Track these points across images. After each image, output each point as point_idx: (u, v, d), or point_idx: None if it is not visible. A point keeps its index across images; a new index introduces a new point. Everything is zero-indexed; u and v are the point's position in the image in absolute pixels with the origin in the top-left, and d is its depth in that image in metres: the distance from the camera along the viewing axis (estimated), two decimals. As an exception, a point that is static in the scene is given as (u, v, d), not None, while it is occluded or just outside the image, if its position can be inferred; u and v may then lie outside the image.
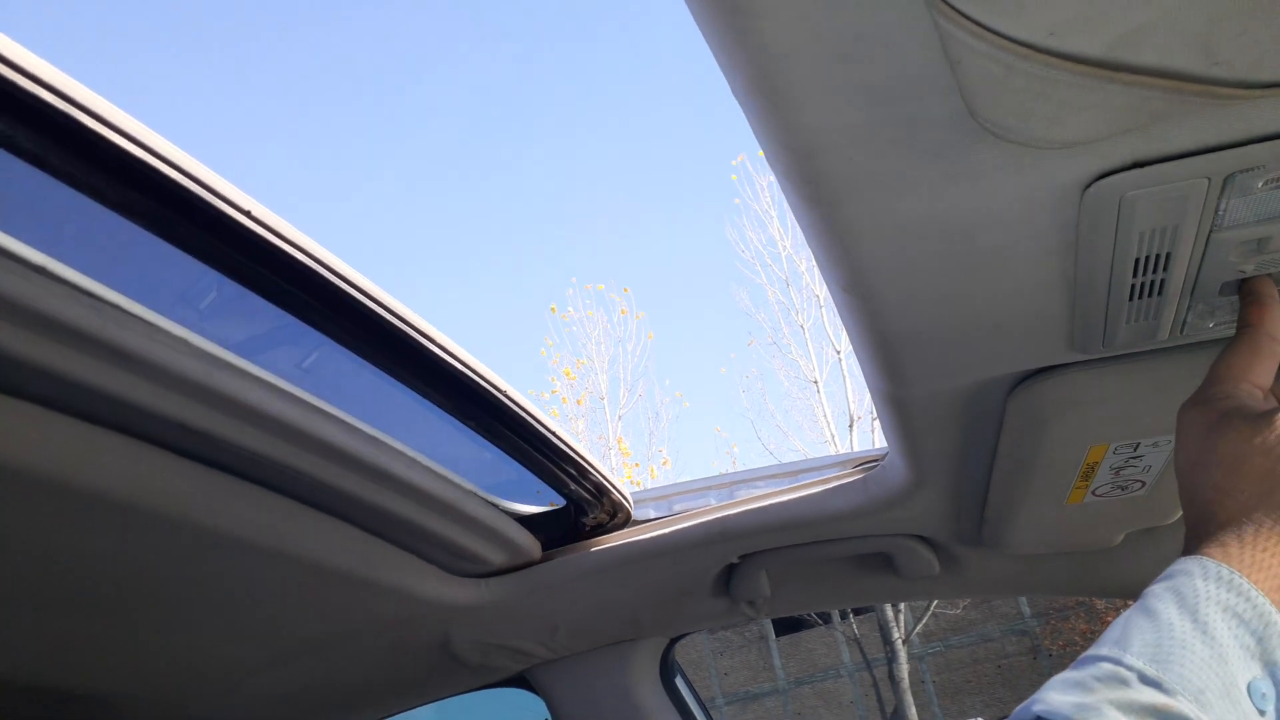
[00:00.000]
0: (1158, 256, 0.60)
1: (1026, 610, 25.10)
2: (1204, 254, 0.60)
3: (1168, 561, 1.22)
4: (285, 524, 0.94)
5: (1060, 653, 23.07)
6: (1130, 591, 1.27)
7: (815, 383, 15.74)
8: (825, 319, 15.32)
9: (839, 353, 15.32)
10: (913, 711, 17.77)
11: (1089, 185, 0.55)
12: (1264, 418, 0.58)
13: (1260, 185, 0.54)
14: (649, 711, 1.50)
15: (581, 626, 1.42)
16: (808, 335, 15.74)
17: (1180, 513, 1.09)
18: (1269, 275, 0.64)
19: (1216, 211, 0.56)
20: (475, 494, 1.05)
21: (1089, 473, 0.95)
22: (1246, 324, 0.63)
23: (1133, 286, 0.64)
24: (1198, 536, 0.57)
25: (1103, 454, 0.91)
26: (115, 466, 0.77)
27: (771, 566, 1.33)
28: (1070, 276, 0.65)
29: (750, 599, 1.37)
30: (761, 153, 0.61)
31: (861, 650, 19.73)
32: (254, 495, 0.90)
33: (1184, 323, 0.69)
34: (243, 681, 1.35)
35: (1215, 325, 0.70)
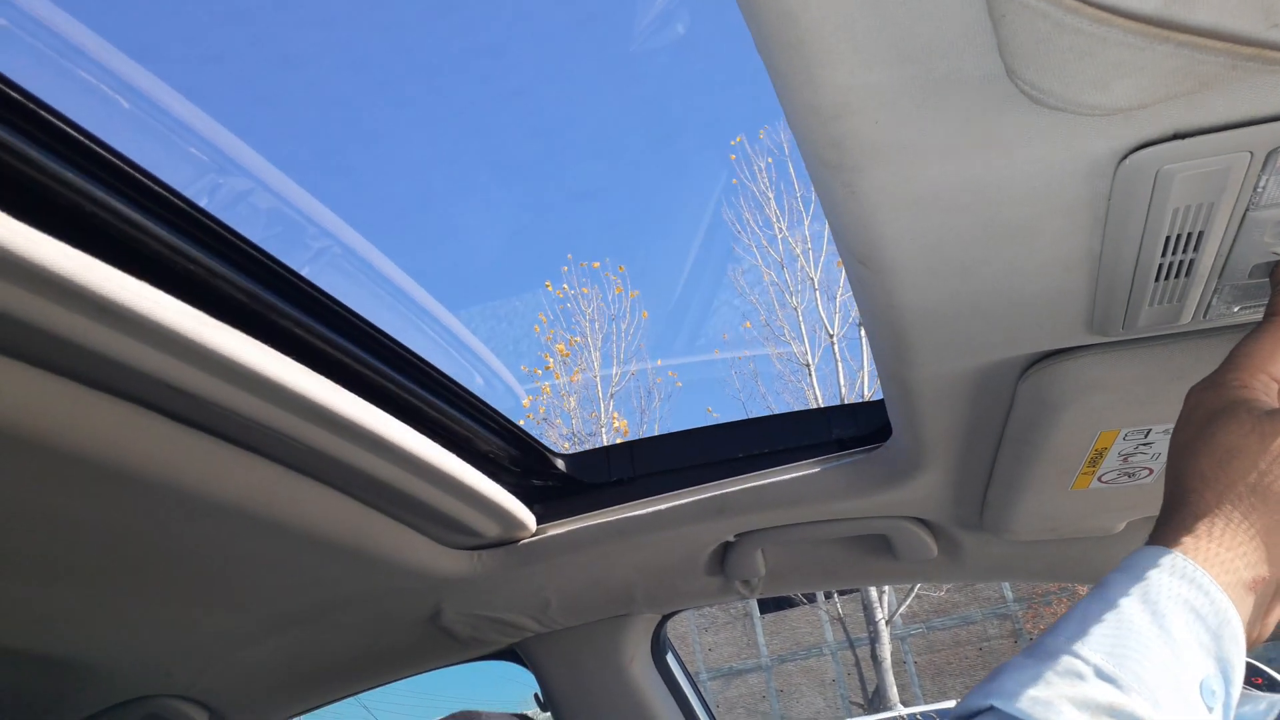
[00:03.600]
0: (1189, 235, 0.58)
1: (1009, 594, 25.36)
2: (1237, 234, 0.58)
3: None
4: (277, 492, 0.92)
5: (1041, 637, 23.22)
6: None
7: (807, 366, 15.75)
8: (819, 302, 15.31)
9: (832, 336, 15.32)
10: (894, 691, 17.95)
11: (1125, 156, 0.53)
12: (1270, 416, 0.56)
13: None
14: (640, 688, 1.49)
15: (574, 601, 1.40)
16: (801, 318, 15.73)
17: None
18: None
19: (1255, 189, 0.54)
20: (470, 465, 1.03)
21: (1097, 459, 0.94)
22: (1274, 312, 0.60)
23: (1160, 266, 0.62)
24: (1170, 521, 0.57)
25: (1113, 440, 0.89)
26: (102, 428, 0.75)
27: (767, 545, 1.31)
28: (1095, 254, 0.63)
29: (745, 578, 1.36)
30: (767, 131, 0.59)
31: (845, 629, 19.88)
32: (245, 461, 0.88)
33: (1208, 306, 0.67)
34: (231, 651, 1.33)
35: (1240, 310, 0.68)
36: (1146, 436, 0.89)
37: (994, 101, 0.49)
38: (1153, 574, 0.53)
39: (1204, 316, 0.69)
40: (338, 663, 1.50)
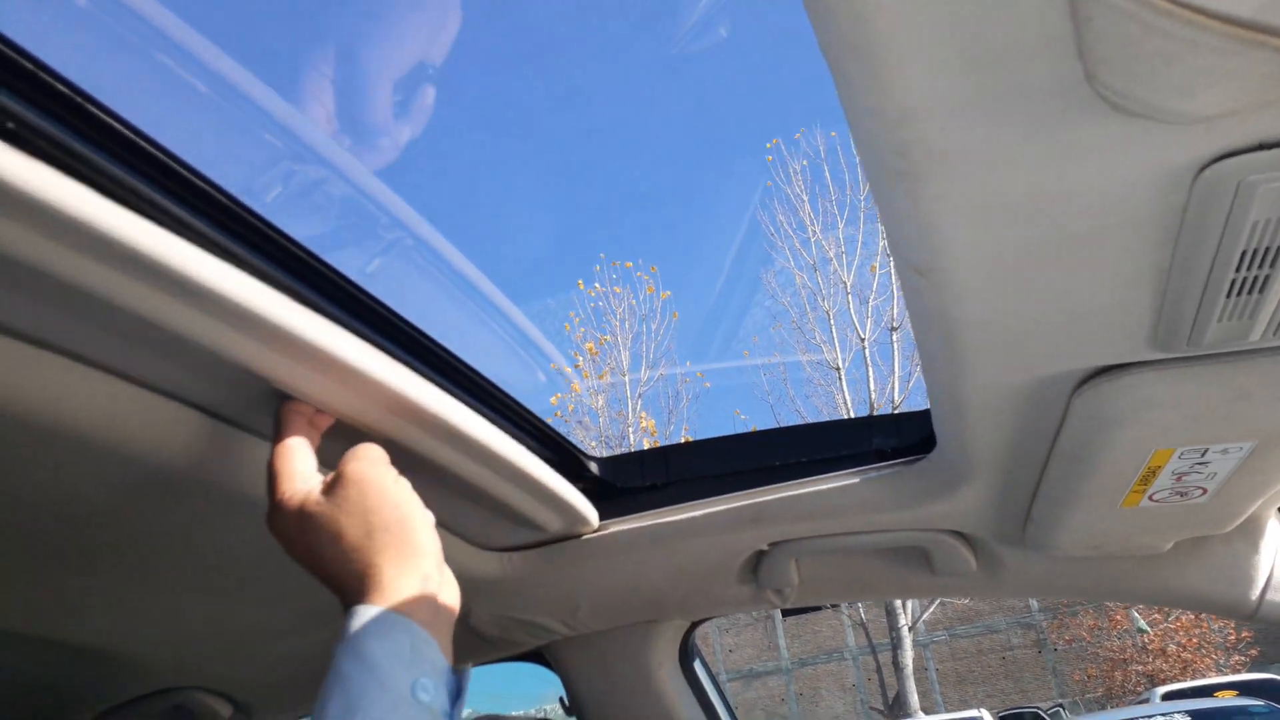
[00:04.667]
0: (1268, 250, 0.55)
1: (1034, 604, 25.13)
2: None
3: (1216, 570, 1.18)
4: None
5: (1066, 648, 23.09)
6: (1172, 600, 1.23)
7: (837, 370, 15.66)
8: (851, 306, 15.22)
9: (863, 341, 15.22)
10: (914, 698, 17.83)
11: (1205, 167, 0.50)
12: (316, 504, 0.73)
13: None
14: (666, 695, 1.47)
15: (603, 605, 1.39)
16: (833, 321, 15.64)
17: (1236, 521, 1.05)
18: None
19: None
20: (514, 467, 1.01)
21: (1149, 477, 0.91)
22: (281, 425, 0.78)
23: (1233, 281, 0.59)
24: (346, 598, 0.70)
25: (1167, 458, 0.87)
26: (143, 423, 0.74)
27: (801, 555, 1.29)
28: (1164, 268, 0.60)
29: (777, 587, 1.33)
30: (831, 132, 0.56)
31: (867, 634, 19.75)
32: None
33: (1279, 324, 0.64)
34: (260, 645, 1.33)
35: None
36: (1203, 456, 0.86)
37: (1069, 108, 0.47)
38: (355, 629, 0.65)
39: (1274, 334, 0.66)
40: None
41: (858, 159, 0.54)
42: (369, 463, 0.76)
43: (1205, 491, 0.94)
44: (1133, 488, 0.94)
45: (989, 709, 15.53)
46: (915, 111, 0.48)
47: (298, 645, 1.35)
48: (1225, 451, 0.85)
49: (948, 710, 18.02)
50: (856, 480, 1.14)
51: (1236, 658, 18.93)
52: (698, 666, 1.57)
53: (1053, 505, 1.03)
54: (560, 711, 1.63)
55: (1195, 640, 19.54)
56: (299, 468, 0.76)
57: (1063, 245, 0.59)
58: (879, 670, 20.39)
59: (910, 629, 18.84)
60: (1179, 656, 19.29)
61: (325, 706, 0.62)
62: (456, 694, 0.68)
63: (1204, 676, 16.20)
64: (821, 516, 1.18)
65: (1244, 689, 10.67)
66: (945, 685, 24.78)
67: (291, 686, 1.54)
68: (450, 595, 0.75)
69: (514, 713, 1.23)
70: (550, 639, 1.50)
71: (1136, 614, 20.13)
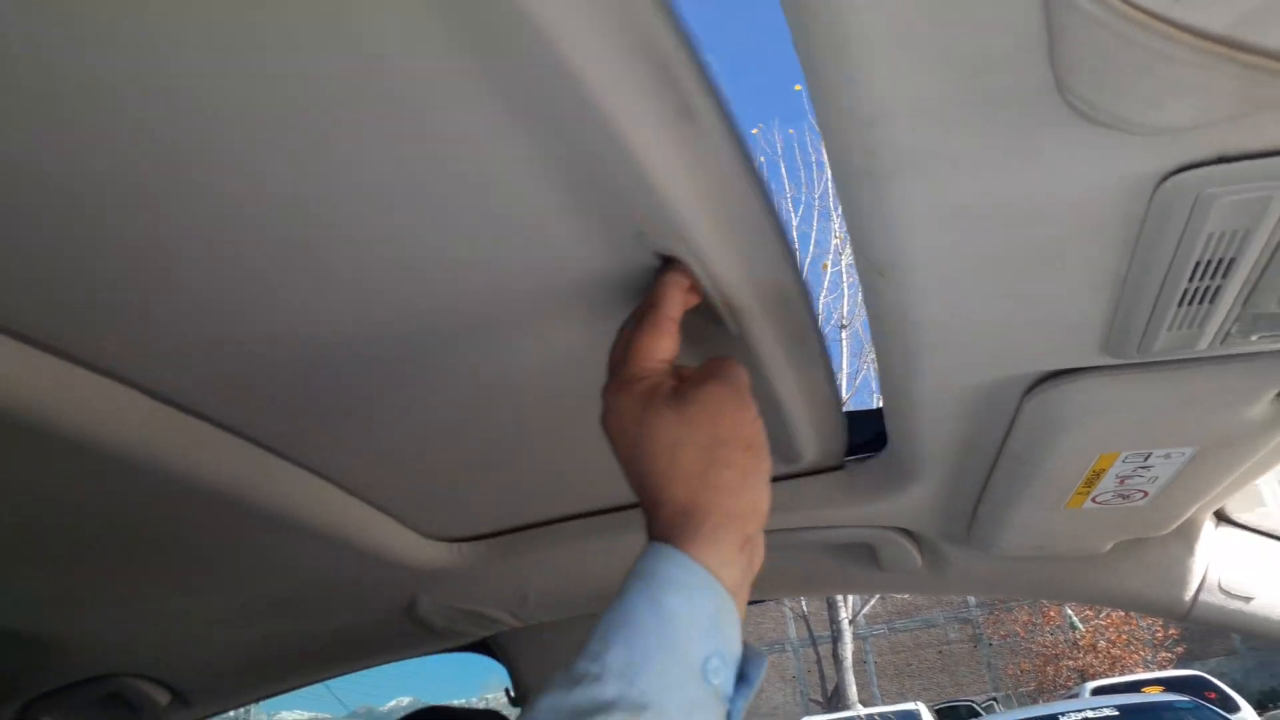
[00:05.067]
0: (1220, 261, 0.56)
1: (972, 600, 25.64)
2: (1269, 262, 0.56)
3: (1152, 571, 1.21)
4: (257, 476, 0.89)
5: (1001, 643, 23.61)
6: (1110, 600, 1.26)
7: (783, 363, 15.78)
8: (822, 300, 15.39)
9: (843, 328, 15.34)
10: (853, 690, 18.12)
11: (1166, 178, 0.51)
12: (682, 399, 0.64)
13: None
14: None
15: (552, 597, 1.38)
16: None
17: (1174, 524, 1.08)
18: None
19: None
20: None
21: (1094, 479, 0.93)
22: (650, 305, 0.67)
23: (1185, 291, 0.60)
24: (658, 520, 0.62)
25: (1112, 462, 0.88)
26: (83, 406, 0.72)
27: None
28: (1120, 275, 0.61)
29: (726, 581, 1.34)
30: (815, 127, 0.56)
31: (809, 627, 20.02)
32: (224, 442, 0.85)
33: (1227, 334, 0.66)
34: (198, 633, 1.30)
35: (1258, 338, 0.66)
36: (1146, 460, 0.88)
37: (1038, 116, 0.47)
38: (658, 572, 0.58)
39: (1220, 344, 0.67)
40: (307, 649, 1.48)
41: (825, 157, 0.54)
42: (735, 386, 0.66)
43: (1146, 494, 0.96)
44: (1077, 490, 0.96)
45: (925, 702, 15.82)
46: (886, 113, 0.48)
47: (237, 634, 1.33)
48: (1167, 456, 0.87)
49: (885, 703, 18.33)
50: (807, 476, 1.15)
51: (1163, 654, 19.51)
52: (644, 659, 1.57)
53: (999, 505, 1.04)
54: (506, 702, 1.63)
55: (1124, 637, 20.10)
56: (661, 349, 0.66)
57: (1023, 251, 0.60)
58: (819, 662, 20.67)
59: (850, 622, 19.13)
60: (1109, 653, 19.84)
61: (608, 648, 0.54)
62: (741, 681, 0.59)
63: (1132, 672, 16.68)
64: (771, 511, 1.19)
65: (1170, 685, 11.00)
66: (883, 678, 25.18)
67: (230, 674, 1.51)
68: (756, 569, 0.65)
69: (458, 702, 1.21)
70: (497, 630, 1.49)
71: (1070, 611, 20.63)
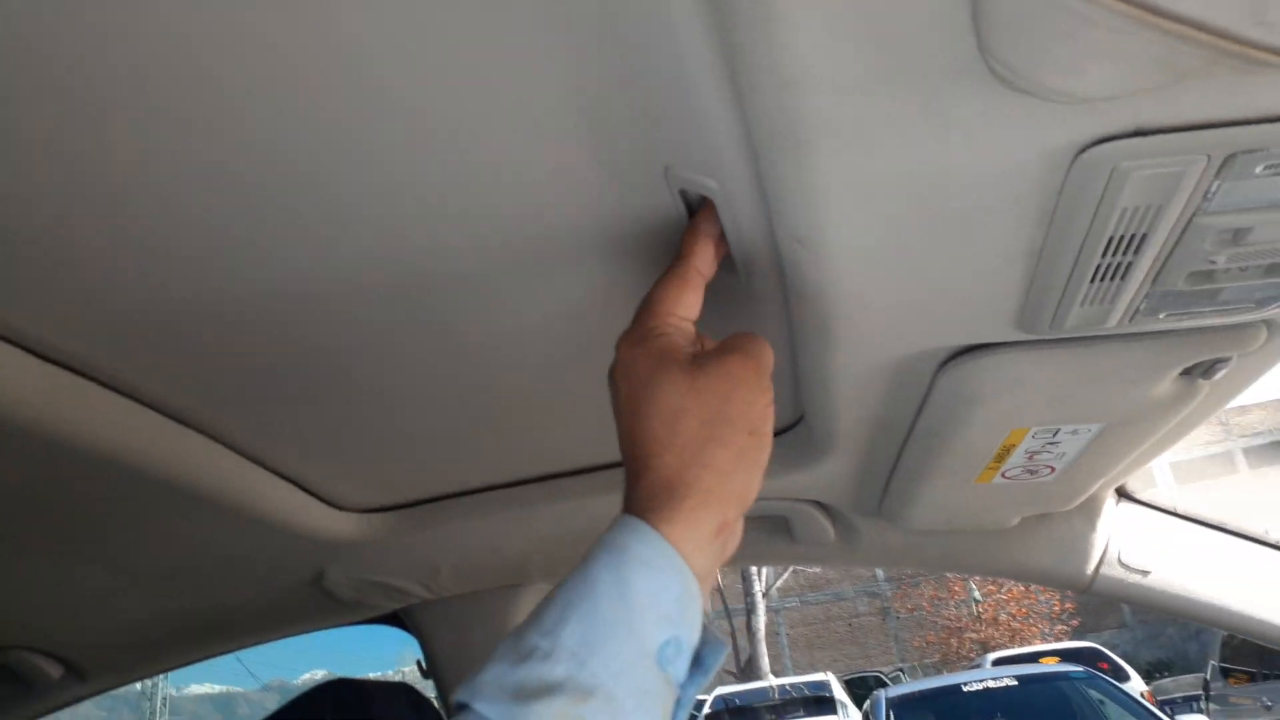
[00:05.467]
0: (1134, 237, 0.57)
1: (880, 574, 26.35)
2: (1179, 239, 0.57)
3: (1056, 546, 1.24)
4: (154, 442, 0.85)
5: (908, 616, 24.35)
6: (1015, 573, 1.29)
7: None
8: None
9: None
10: (765, 661, 18.50)
11: (1083, 150, 0.51)
12: (698, 366, 0.61)
13: (1259, 170, 0.51)
14: None
15: (465, 569, 1.36)
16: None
17: (1078, 499, 1.10)
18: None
19: (1206, 194, 0.53)
20: None
21: (1004, 454, 0.94)
22: (680, 257, 0.65)
23: (1098, 267, 0.61)
24: (638, 488, 0.59)
25: (1022, 437, 0.90)
26: None
27: None
28: (1036, 249, 0.62)
29: (642, 553, 1.33)
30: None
31: (723, 600, 20.32)
32: (114, 404, 0.81)
33: (1136, 311, 0.67)
34: (93, 605, 1.24)
35: (1165, 317, 0.68)
36: (1055, 436, 0.90)
37: (960, 83, 0.47)
38: (628, 548, 0.55)
39: (1129, 321, 0.68)
40: (210, 621, 1.43)
41: (744, 125, 0.53)
42: (757, 366, 0.63)
43: (1054, 470, 0.98)
44: (987, 465, 0.97)
45: (835, 672, 16.22)
46: (807, 81, 0.46)
47: (133, 606, 1.27)
48: (1075, 432, 0.89)
49: (797, 673, 18.77)
50: None
51: (1060, 627, 20.38)
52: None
53: (910, 480, 1.06)
54: (418, 675, 1.60)
55: (1024, 611, 20.92)
56: (684, 304, 0.63)
57: (943, 221, 0.60)
58: (733, 634, 21.01)
59: (764, 596, 19.50)
60: (1009, 625, 20.63)
61: (564, 623, 0.52)
62: (696, 668, 0.57)
63: (1031, 644, 17.38)
64: None
65: (1066, 656, 11.49)
66: (795, 649, 25.75)
67: (128, 646, 1.46)
68: (729, 555, 0.63)
69: (373, 676, 1.18)
70: (409, 602, 1.46)
71: (973, 585, 21.34)
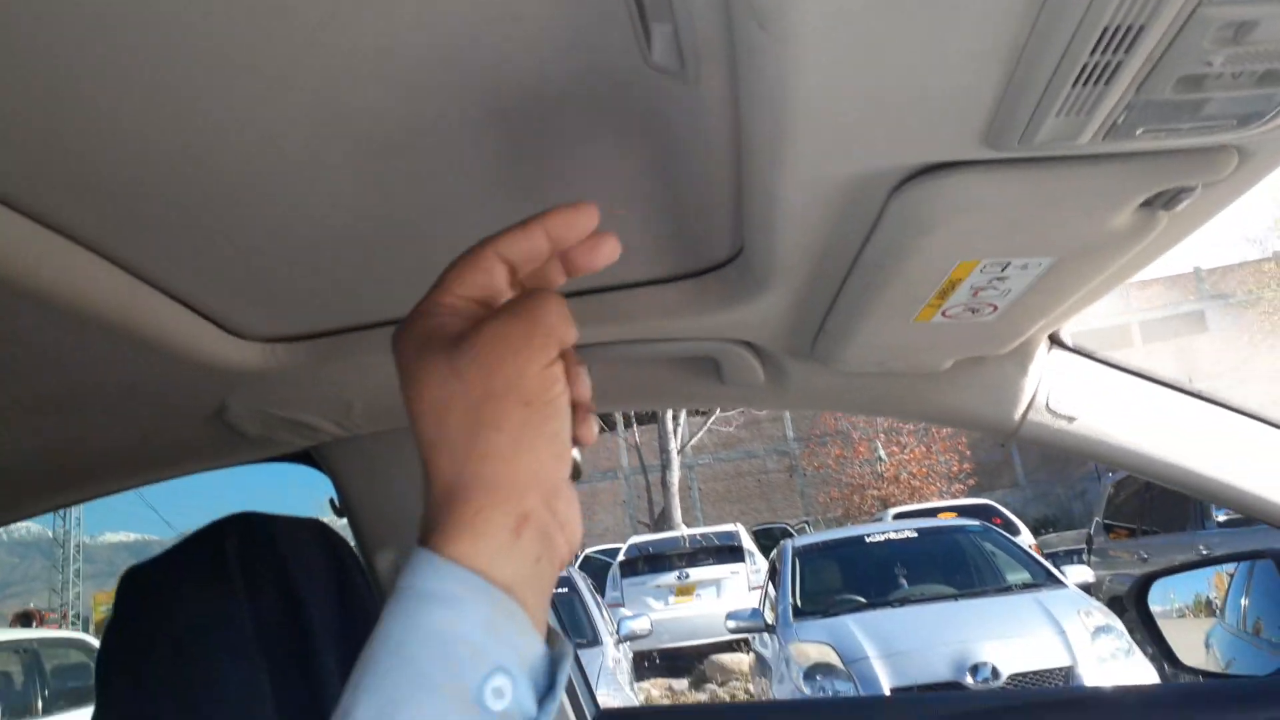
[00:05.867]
0: (1129, 29, 0.51)
1: (790, 433, 27.30)
2: (1178, 34, 0.52)
3: (986, 390, 1.23)
4: (32, 253, 0.75)
5: (814, 474, 25.40)
6: (944, 418, 1.29)
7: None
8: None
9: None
10: (678, 514, 19.21)
11: None
12: (457, 347, 0.52)
13: None
14: None
15: (379, 406, 1.30)
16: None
17: (1014, 342, 1.09)
18: None
19: None
20: None
21: (948, 290, 0.90)
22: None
23: (1084, 67, 0.55)
24: (428, 506, 0.52)
25: (970, 270, 0.86)
26: None
27: (592, 362, 1.24)
28: (1019, 45, 0.56)
29: (565, 392, 1.29)
30: None
31: (640, 456, 20.86)
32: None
33: (1113, 124, 0.62)
34: None
35: (1142, 133, 0.63)
36: (1003, 270, 0.86)
37: None
38: (414, 586, 0.48)
39: (1103, 138, 0.64)
40: (105, 455, 1.35)
41: None
42: (528, 324, 0.52)
43: (995, 309, 0.95)
44: (929, 301, 0.94)
45: (744, 524, 16.91)
46: None
47: (13, 436, 1.19)
48: (1025, 267, 0.85)
49: (707, 525, 19.50)
50: (652, 286, 1.09)
51: (957, 486, 21.51)
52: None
53: (848, 317, 1.02)
54: (331, 514, 1.56)
55: (924, 470, 21.97)
56: (474, 282, 0.55)
57: (918, 7, 0.53)
58: (649, 489, 21.65)
59: (679, 452, 20.04)
60: (909, 484, 21.68)
61: (356, 700, 0.45)
62: (547, 690, 0.49)
63: (930, 501, 18.32)
64: (614, 322, 1.13)
65: (963, 511, 12.14)
66: (706, 503, 26.74)
67: (14, 481, 1.37)
68: (560, 545, 0.54)
69: (281, 514, 1.13)
70: (320, 440, 1.40)
71: (879, 444, 22.22)
